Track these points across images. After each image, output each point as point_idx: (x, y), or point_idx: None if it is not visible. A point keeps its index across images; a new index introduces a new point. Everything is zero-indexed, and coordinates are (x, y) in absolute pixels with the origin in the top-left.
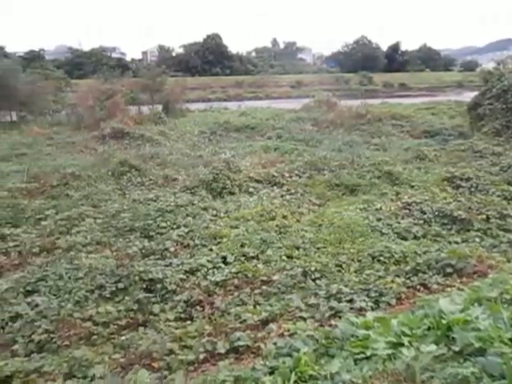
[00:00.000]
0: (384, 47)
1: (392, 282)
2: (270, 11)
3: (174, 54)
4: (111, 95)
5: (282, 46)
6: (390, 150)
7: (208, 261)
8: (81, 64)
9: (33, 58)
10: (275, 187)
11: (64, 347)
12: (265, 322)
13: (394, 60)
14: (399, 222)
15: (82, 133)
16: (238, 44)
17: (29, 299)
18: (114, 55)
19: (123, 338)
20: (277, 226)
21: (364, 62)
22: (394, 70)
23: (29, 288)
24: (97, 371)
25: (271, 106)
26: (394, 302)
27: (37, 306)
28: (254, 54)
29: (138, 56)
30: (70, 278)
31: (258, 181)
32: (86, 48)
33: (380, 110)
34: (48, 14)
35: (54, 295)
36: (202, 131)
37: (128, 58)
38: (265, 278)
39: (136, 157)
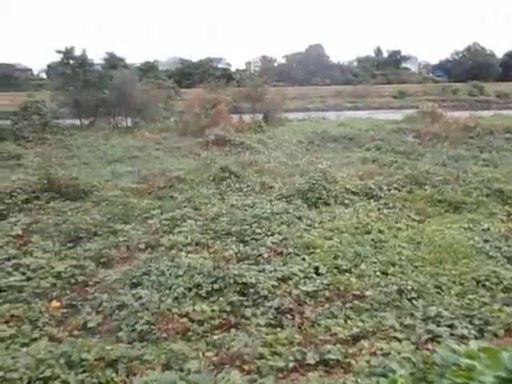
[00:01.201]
0: (499, 54)
1: (500, 310)
2: (375, 20)
3: (276, 65)
4: (216, 104)
5: (385, 54)
6: (502, 166)
7: (300, 270)
8: (190, 74)
9: (148, 69)
10: (372, 200)
11: (162, 339)
12: (356, 338)
13: (511, 68)
14: (510, 246)
15: (188, 138)
16: (339, 53)
17: (134, 291)
18: (220, 66)
19: (216, 337)
20: (372, 240)
21: (475, 70)
22: (510, 79)
23: (134, 281)
24: (192, 366)
25: (371, 116)
26: (501, 333)
27: (140, 298)
28: (355, 63)
29: (242, 66)
30: (170, 274)
31: (354, 193)
32: (195, 59)
33: (491, 123)
34: (162, 29)
35: (156, 289)
36: (300, 140)
37: (233, 69)
38: (357, 293)
39: (236, 163)
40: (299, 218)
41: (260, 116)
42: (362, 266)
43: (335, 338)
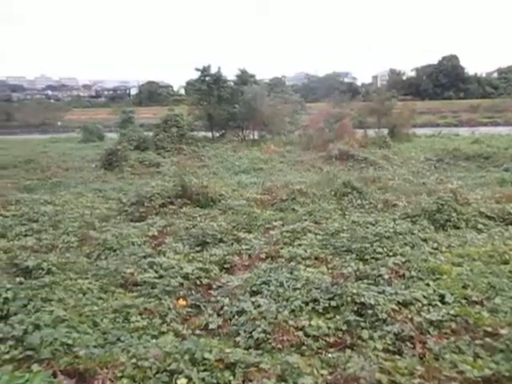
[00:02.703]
0: None
1: None
2: None
3: (404, 78)
4: (340, 118)
5: None
6: None
7: (424, 296)
8: (315, 89)
9: (276, 84)
10: (511, 226)
11: (277, 350)
12: (487, 381)
13: None
14: None
15: (311, 152)
16: (477, 65)
17: (253, 299)
18: (346, 80)
19: (330, 355)
20: (510, 271)
21: None
22: None
23: (254, 289)
24: (306, 381)
25: None
26: None
27: (259, 306)
28: (495, 74)
29: (369, 80)
30: (288, 286)
31: (489, 217)
32: (321, 74)
33: None
34: (291, 47)
35: (274, 300)
36: (428, 158)
37: (359, 83)
38: (489, 330)
39: (358, 179)
40: (424, 240)
41: (385, 131)
42: (497, 300)
43: (462, 377)
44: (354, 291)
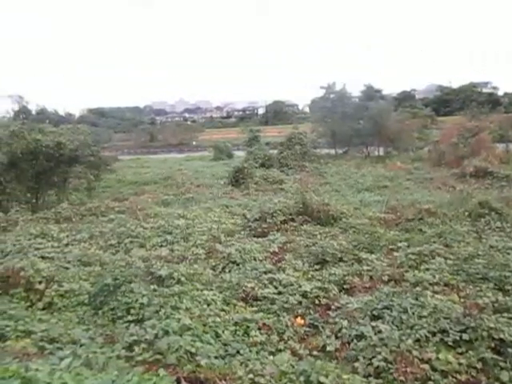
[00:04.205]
0: None
1: None
2: None
3: None
4: (477, 132)
5: None
6: None
7: None
8: (448, 101)
9: (404, 98)
10: None
11: (399, 382)
12: None
13: None
14: None
15: (442, 169)
16: None
17: (373, 323)
18: (485, 90)
19: None
20: None
21: None
22: None
23: (375, 313)
24: None
25: None
26: None
27: (380, 332)
28: None
29: None
30: (413, 313)
31: None
32: (456, 85)
33: None
34: (420, 57)
35: (397, 327)
36: None
37: (500, 92)
38: None
39: (498, 199)
40: None
41: None
42: None
43: None
44: (492, 325)
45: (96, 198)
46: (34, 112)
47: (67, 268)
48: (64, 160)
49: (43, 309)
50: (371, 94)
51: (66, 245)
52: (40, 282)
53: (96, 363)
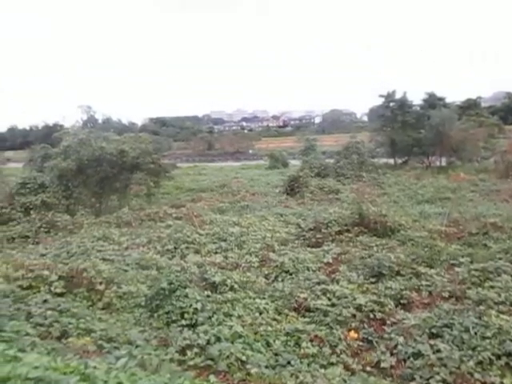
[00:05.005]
0: None
1: None
2: None
3: None
4: None
5: None
6: None
7: None
8: None
9: (469, 106)
10: None
11: None
12: None
13: None
14: None
15: (509, 181)
16: None
17: (432, 342)
18: None
19: None
20: None
21: None
22: None
23: (433, 331)
24: None
25: None
26: None
27: (439, 351)
28: None
29: None
30: (475, 333)
31: None
32: None
33: None
34: (486, 64)
35: (457, 346)
36: None
37: None
38: None
39: None
40: None
41: None
42: None
43: None
44: None
45: (155, 203)
46: (100, 121)
47: (126, 270)
48: (126, 167)
49: (103, 309)
50: (433, 101)
51: (126, 248)
52: (101, 283)
53: (150, 364)
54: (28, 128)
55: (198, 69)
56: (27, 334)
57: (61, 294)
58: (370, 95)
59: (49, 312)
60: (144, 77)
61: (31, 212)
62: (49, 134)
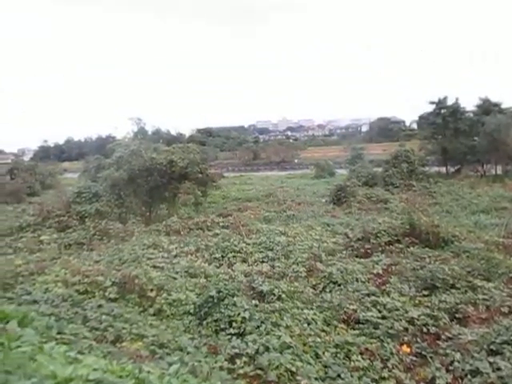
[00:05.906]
0: None
1: None
2: None
3: None
4: None
5: None
6: None
7: None
8: None
9: None
10: None
11: None
12: None
13: None
14: None
15: None
16: None
17: (491, 359)
18: None
19: None
20: None
21: None
22: None
23: (492, 347)
24: None
25: None
26: None
27: (499, 369)
28: None
29: None
30: None
31: None
32: None
33: None
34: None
35: None
36: None
37: None
38: None
39: None
40: None
41: None
42: None
43: None
44: None
45: (202, 212)
46: (150, 132)
47: (175, 278)
48: (175, 177)
49: (153, 315)
50: (488, 107)
51: (175, 256)
52: (151, 290)
53: (201, 372)
54: (83, 140)
55: (241, 80)
56: (84, 337)
57: (114, 300)
58: (417, 102)
59: (104, 316)
60: (192, 86)
61: (86, 220)
62: (102, 146)
